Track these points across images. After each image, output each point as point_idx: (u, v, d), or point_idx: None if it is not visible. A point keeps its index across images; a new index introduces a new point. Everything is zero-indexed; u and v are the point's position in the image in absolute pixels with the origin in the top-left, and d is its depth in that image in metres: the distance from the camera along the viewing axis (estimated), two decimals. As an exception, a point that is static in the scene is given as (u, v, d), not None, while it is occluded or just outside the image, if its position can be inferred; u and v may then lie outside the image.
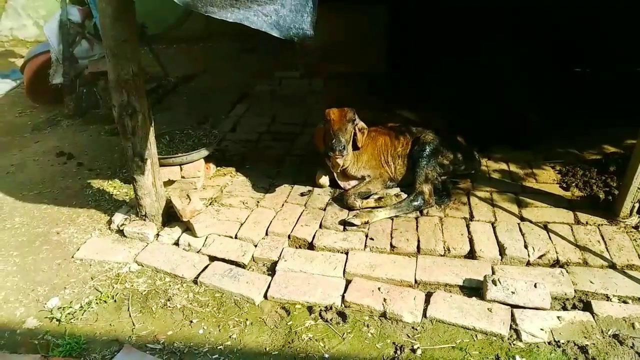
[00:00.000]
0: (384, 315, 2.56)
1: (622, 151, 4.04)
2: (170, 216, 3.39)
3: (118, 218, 3.43)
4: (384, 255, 3.00)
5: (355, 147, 3.57)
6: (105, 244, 3.26)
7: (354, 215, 3.28)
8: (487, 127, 4.30)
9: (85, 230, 3.44)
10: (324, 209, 3.50)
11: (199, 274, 2.91)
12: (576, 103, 4.89)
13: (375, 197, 3.57)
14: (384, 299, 2.60)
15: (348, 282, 2.78)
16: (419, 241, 3.07)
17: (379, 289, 2.69)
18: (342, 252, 3.04)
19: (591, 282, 2.67)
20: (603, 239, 3.00)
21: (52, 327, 2.58)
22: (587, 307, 2.53)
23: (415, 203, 3.37)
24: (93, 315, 2.66)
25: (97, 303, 2.74)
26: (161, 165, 3.44)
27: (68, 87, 5.73)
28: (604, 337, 2.35)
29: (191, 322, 2.60)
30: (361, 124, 3.54)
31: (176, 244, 3.23)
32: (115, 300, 2.77)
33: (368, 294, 2.65)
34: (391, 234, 3.16)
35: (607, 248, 2.91)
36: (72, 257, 3.15)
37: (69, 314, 2.66)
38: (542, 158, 4.09)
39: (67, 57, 5.62)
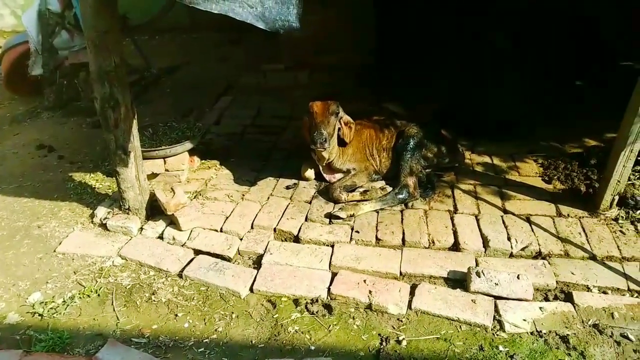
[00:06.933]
0: (369, 307, 2.57)
1: (602, 144, 4.09)
2: (154, 210, 3.35)
3: (101, 212, 3.39)
4: (369, 247, 3.02)
5: (342, 143, 3.57)
6: (87, 237, 3.22)
7: (340, 209, 3.28)
8: (477, 120, 4.32)
9: (67, 224, 3.39)
10: (310, 202, 3.50)
11: (183, 268, 2.90)
12: (563, 96, 4.92)
13: (361, 190, 3.58)
14: (370, 291, 2.62)
15: (334, 274, 2.79)
16: (404, 234, 3.08)
17: (364, 281, 2.70)
18: (327, 245, 3.04)
19: (572, 273, 2.71)
20: (584, 231, 3.05)
21: (34, 322, 2.55)
22: (568, 297, 2.58)
23: (400, 196, 3.38)
24: (76, 310, 2.63)
25: (80, 297, 2.71)
26: (144, 158, 3.40)
27: (48, 78, 5.63)
28: (584, 327, 2.40)
29: (176, 315, 2.59)
30: (347, 117, 3.53)
31: (160, 237, 3.20)
32: (98, 295, 2.74)
33: (354, 287, 2.66)
34: (376, 227, 3.17)
35: (587, 240, 2.96)
36: (54, 251, 3.10)
37: (51, 308, 2.63)
38: (525, 151, 4.13)
39: (46, 48, 5.50)
